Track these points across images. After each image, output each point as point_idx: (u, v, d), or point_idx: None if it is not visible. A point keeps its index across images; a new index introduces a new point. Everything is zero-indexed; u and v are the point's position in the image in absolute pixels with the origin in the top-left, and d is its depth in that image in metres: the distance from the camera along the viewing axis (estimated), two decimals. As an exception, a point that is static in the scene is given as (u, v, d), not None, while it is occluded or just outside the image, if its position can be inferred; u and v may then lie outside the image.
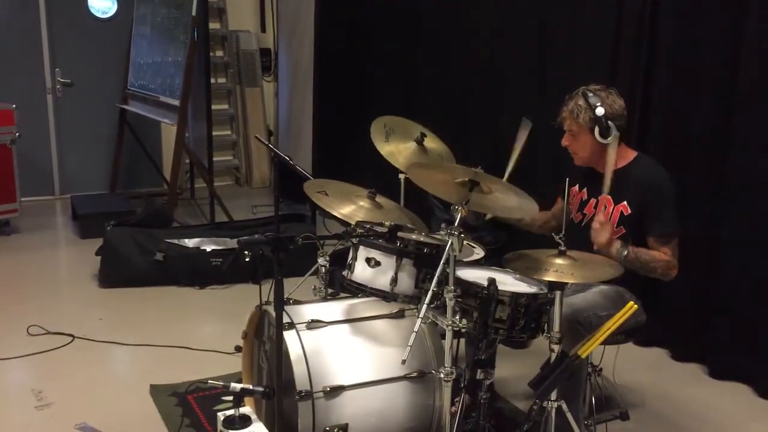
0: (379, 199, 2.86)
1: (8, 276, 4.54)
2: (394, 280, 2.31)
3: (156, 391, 3.06)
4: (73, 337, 3.60)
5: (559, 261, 2.29)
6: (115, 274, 4.35)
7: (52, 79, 6.39)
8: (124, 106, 6.24)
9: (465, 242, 2.48)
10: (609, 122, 2.58)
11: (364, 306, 2.57)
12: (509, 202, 2.32)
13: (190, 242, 4.44)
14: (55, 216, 6.06)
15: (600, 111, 2.57)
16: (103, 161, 6.60)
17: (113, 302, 4.16)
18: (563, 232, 2.38)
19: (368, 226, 2.40)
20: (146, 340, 3.58)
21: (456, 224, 2.20)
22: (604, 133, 2.58)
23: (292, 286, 2.65)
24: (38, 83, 6.34)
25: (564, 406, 2.28)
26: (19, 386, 3.16)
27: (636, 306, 2.20)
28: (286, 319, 2.25)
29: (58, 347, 3.50)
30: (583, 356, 2.23)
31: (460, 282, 2.23)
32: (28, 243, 5.22)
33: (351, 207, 2.78)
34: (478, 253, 2.82)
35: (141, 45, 6.08)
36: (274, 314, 2.08)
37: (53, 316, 3.86)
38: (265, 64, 7.23)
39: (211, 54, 6.47)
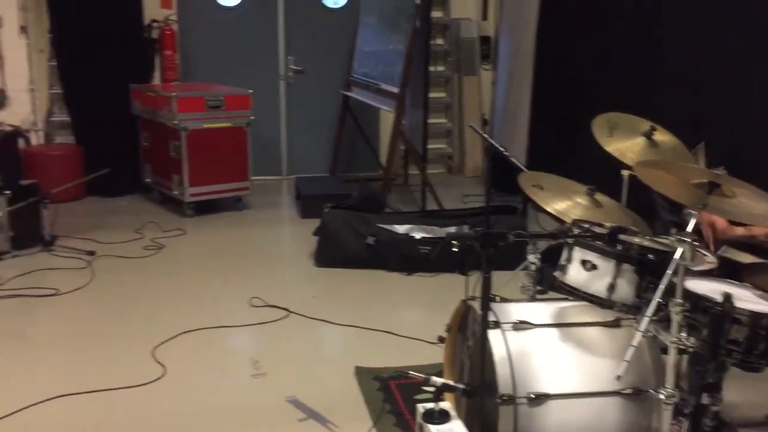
0: (599, 196, 2.66)
1: (238, 248, 4.92)
2: (612, 287, 2.12)
3: (361, 373, 3.13)
4: (289, 312, 3.80)
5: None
6: (330, 254, 4.54)
7: (286, 66, 6.82)
8: (347, 93, 6.49)
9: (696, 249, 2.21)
10: None
11: (575, 310, 2.40)
12: (756, 208, 2.03)
13: (400, 228, 4.50)
14: (281, 195, 6.49)
15: None
16: (326, 145, 6.94)
17: (326, 281, 4.34)
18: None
19: (586, 225, 2.23)
20: (354, 321, 3.68)
21: (688, 229, 1.96)
22: None
23: (499, 280, 2.55)
24: (273, 70, 6.81)
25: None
26: (240, 354, 3.40)
27: None
28: (491, 318, 2.16)
29: (275, 320, 3.71)
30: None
31: (688, 294, 1.99)
32: (256, 219, 5.63)
33: (567, 203, 2.61)
34: (710, 262, 2.51)
35: (366, 34, 6.28)
36: (479, 311, 2.00)
37: (273, 289, 4.11)
38: (485, 52, 7.14)
39: (432, 42, 6.52)
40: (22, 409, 2.78)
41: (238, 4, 6.65)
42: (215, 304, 3.92)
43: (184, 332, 3.51)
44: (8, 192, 4.49)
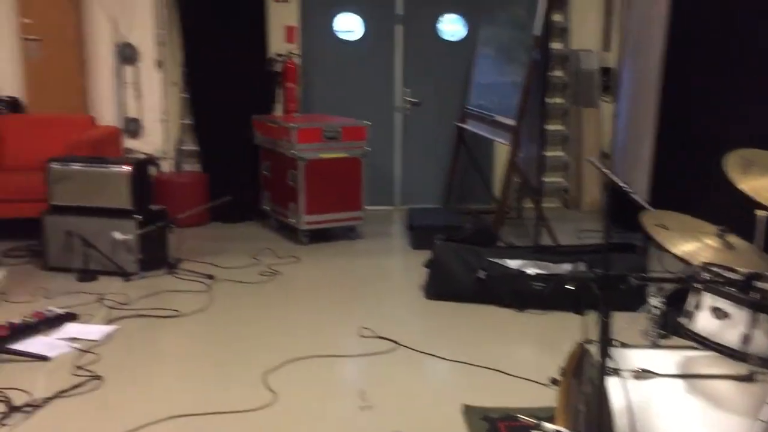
0: (731, 238, 2.48)
1: (350, 277, 4.98)
2: (747, 338, 1.95)
3: (469, 412, 3.05)
4: (397, 344, 3.78)
5: None
6: (440, 287, 4.50)
7: (402, 98, 6.91)
8: (462, 125, 6.47)
9: None
10: None
11: (703, 361, 2.23)
12: None
13: (512, 263, 4.40)
14: (393, 225, 6.52)
15: None
16: (439, 176, 6.94)
17: (436, 314, 4.29)
18: None
19: (717, 269, 2.07)
20: (463, 357, 3.61)
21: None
22: None
23: (618, 322, 2.42)
24: (389, 102, 6.91)
25: None
26: (348, 384, 3.40)
27: None
28: (610, 364, 2.04)
29: (384, 352, 3.70)
30: None
31: (836, 351, 1.80)
32: (368, 248, 5.68)
33: (695, 244, 2.45)
34: None
35: (483, 66, 6.26)
36: (597, 356, 1.89)
37: (382, 320, 4.11)
38: (606, 83, 6.93)
39: (550, 74, 6.41)
40: (136, 429, 2.89)
41: (359, 38, 6.82)
42: (325, 333, 3.96)
43: (295, 359, 3.57)
44: (139, 216, 4.76)
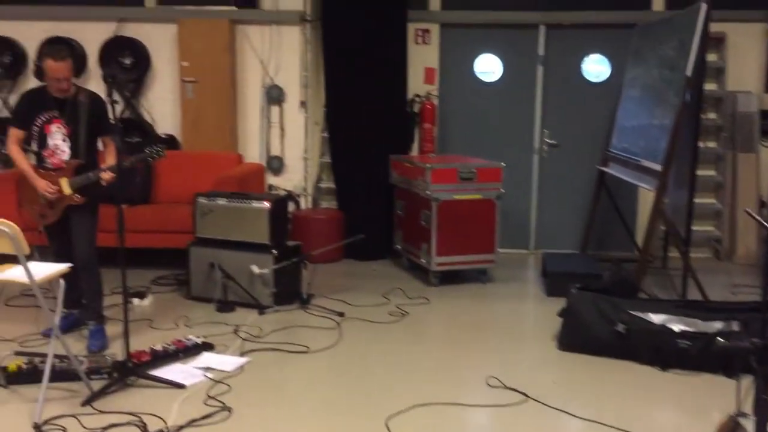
0: None
1: (479, 322, 4.85)
2: None
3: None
4: (527, 396, 3.61)
5: None
6: (575, 338, 4.27)
7: (540, 140, 6.75)
8: (604, 168, 6.21)
9: None
10: None
11: None
12: None
13: (655, 318, 4.10)
14: (526, 270, 6.33)
15: None
16: (576, 221, 6.68)
17: (569, 367, 4.07)
18: None
19: None
20: (597, 417, 3.38)
21: None
22: None
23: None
24: (527, 144, 6.77)
25: None
26: (472, 434, 3.28)
27: None
28: (767, 445, 1.81)
29: (512, 404, 3.54)
30: None
31: None
32: (499, 293, 5.53)
33: None
34: None
35: (628, 107, 5.99)
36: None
37: (511, 370, 3.95)
38: (765, 127, 6.43)
39: (703, 116, 6.02)
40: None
41: (498, 79, 6.76)
42: (452, 379, 3.86)
43: (420, 405, 3.49)
44: (276, 251, 4.91)
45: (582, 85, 6.70)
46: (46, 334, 4.21)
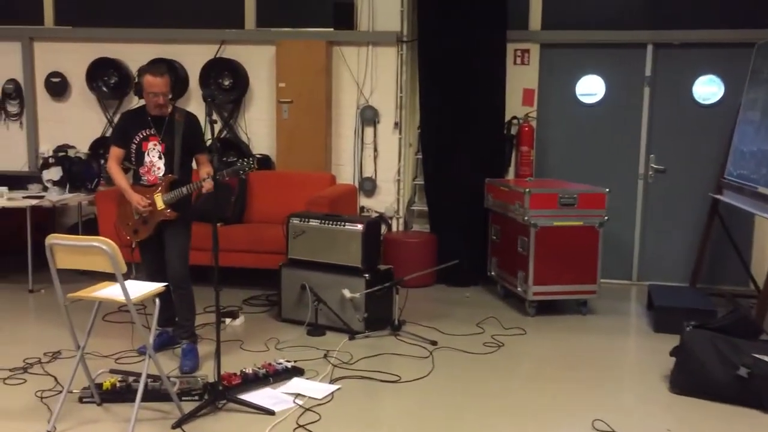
0: None
1: (580, 357, 4.56)
2: None
3: None
4: (638, 443, 3.31)
5: None
6: (689, 380, 3.92)
7: (646, 165, 6.39)
8: (717, 196, 5.79)
9: None
10: None
11: None
12: None
13: (783, 362, 3.72)
14: (629, 302, 5.96)
15: None
16: (685, 251, 6.27)
17: (684, 413, 3.73)
18: None
19: None
20: (719, 472, 3.05)
21: None
22: None
23: None
24: (631, 169, 6.42)
25: None
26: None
27: None
28: None
29: (621, 451, 3.26)
30: None
31: None
32: (601, 326, 5.21)
33: None
34: None
35: (746, 131, 5.57)
36: None
37: (619, 413, 3.66)
38: None
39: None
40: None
41: (600, 100, 6.46)
42: (554, 420, 3.60)
43: (519, 446, 3.26)
44: (368, 275, 4.79)
45: (692, 107, 6.31)
46: (141, 351, 4.23)
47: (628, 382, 4.20)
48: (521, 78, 6.43)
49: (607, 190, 5.39)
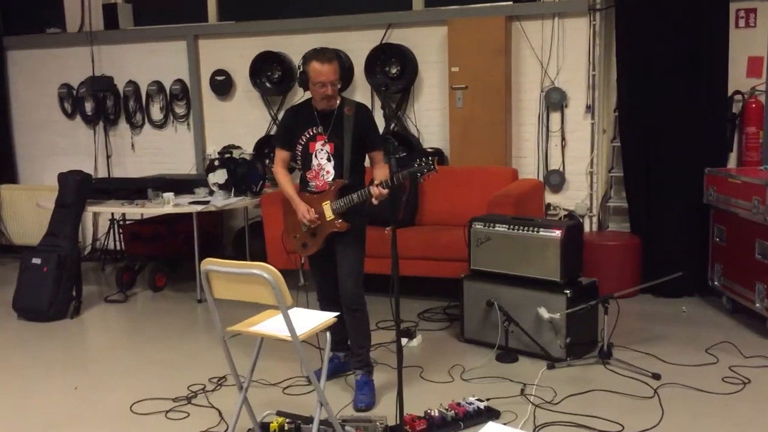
0: None
1: None
2: None
3: None
4: None
5: None
6: None
7: None
8: None
9: None
10: None
11: None
12: None
13: None
14: None
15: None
16: None
17: None
18: None
19: None
20: None
21: None
22: None
23: None
24: None
25: None
26: None
27: None
28: None
29: None
30: None
31: None
32: None
33: None
34: None
35: None
36: None
37: None
38: None
39: None
40: None
41: None
42: None
43: None
44: (568, 291, 3.99)
45: None
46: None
47: None
48: (745, 44, 5.26)
49: None
